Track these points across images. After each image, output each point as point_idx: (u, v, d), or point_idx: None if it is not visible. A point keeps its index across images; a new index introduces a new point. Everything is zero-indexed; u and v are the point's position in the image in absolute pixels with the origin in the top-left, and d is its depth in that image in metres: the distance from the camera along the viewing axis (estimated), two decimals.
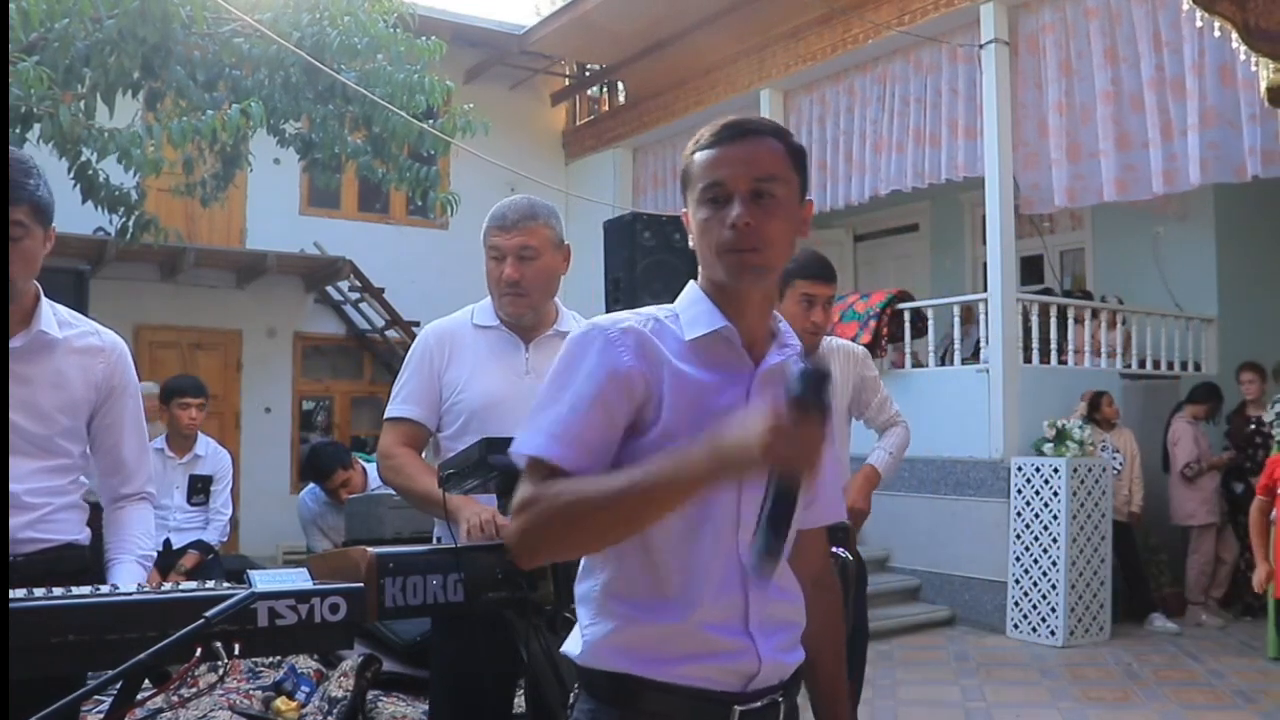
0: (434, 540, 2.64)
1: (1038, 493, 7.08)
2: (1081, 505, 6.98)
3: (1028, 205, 7.81)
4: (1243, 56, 3.48)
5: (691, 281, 1.60)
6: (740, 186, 1.48)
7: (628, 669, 1.43)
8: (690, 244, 1.57)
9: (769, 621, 1.49)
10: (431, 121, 7.19)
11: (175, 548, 5.26)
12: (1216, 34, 3.83)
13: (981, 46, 7.78)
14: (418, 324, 9.83)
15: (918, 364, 8.53)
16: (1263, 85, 3.55)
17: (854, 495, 3.73)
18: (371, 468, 5.37)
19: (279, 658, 4.15)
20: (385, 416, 2.72)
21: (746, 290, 1.51)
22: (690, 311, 1.53)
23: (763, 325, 1.55)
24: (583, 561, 1.52)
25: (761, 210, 1.48)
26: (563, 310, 2.75)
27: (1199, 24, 3.74)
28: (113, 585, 2.20)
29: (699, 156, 1.53)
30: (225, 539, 5.55)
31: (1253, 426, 7.70)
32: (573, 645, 1.52)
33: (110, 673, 1.54)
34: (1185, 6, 3.77)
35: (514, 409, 2.50)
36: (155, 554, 2.47)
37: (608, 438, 1.43)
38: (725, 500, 1.44)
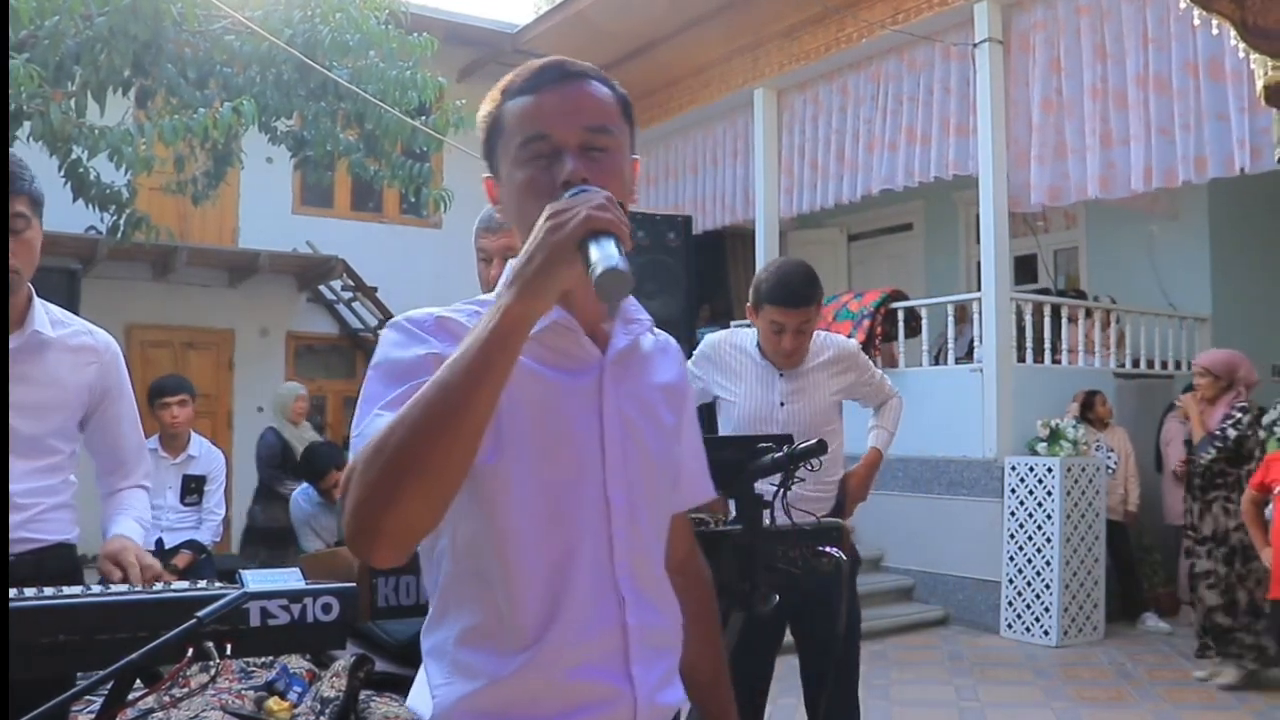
0: None
1: (1031, 492, 7.08)
2: (1075, 505, 6.98)
3: (1015, 204, 7.80)
4: (1241, 54, 3.48)
5: (510, 262, 1.30)
6: (570, 140, 1.25)
7: None
8: (497, 214, 1.36)
9: (649, 652, 1.29)
10: (424, 118, 7.17)
11: (168, 547, 5.24)
12: (1214, 32, 3.82)
13: (975, 45, 7.78)
14: None
15: (911, 363, 8.53)
16: (1259, 83, 3.55)
17: (855, 484, 3.67)
18: None
19: (271, 658, 4.13)
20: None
21: None
22: None
23: (595, 300, 1.26)
24: (431, 609, 1.30)
25: (596, 167, 1.25)
26: None
27: (1196, 22, 3.73)
28: (116, 534, 2.31)
29: (514, 105, 1.29)
30: (218, 539, 5.53)
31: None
32: (420, 705, 1.28)
33: (101, 673, 1.52)
34: (1182, 4, 3.76)
35: None
36: (150, 525, 2.51)
37: None
38: (591, 518, 1.26)
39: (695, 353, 3.46)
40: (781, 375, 3.30)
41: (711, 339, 3.52)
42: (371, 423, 1.15)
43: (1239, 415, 5.86)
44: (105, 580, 2.11)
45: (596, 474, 1.27)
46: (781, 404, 3.26)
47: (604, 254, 1.08)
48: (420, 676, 1.31)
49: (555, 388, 1.26)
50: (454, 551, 1.26)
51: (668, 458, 1.40)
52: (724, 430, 3.37)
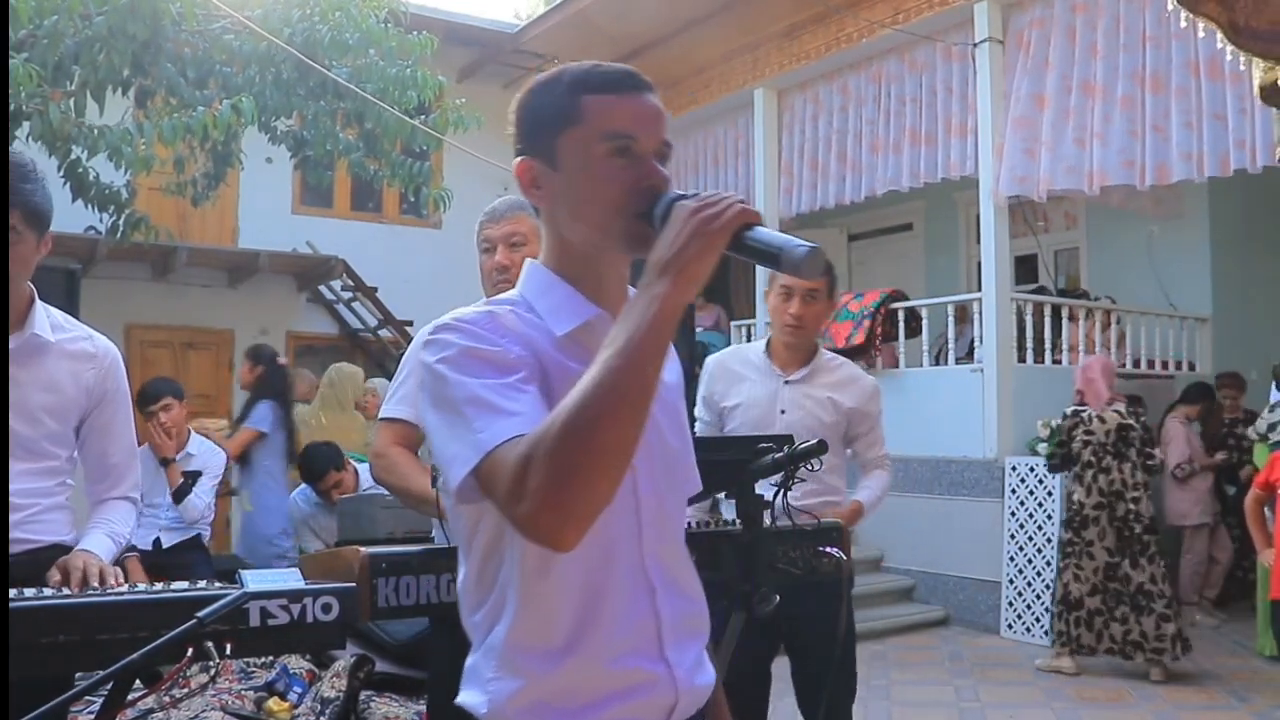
0: (434, 540, 2.62)
1: (1032, 493, 7.08)
2: None
3: (1001, 197, 7.76)
4: (1229, 56, 3.47)
5: (529, 261, 1.42)
6: (650, 146, 1.33)
7: None
8: (536, 201, 1.37)
9: (681, 636, 1.35)
10: (424, 118, 7.17)
11: (165, 546, 5.22)
12: (1201, 34, 3.81)
13: (975, 45, 7.78)
14: (410, 323, 9.81)
15: (912, 363, 8.53)
16: (1255, 84, 3.54)
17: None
18: (364, 468, 5.33)
19: (271, 658, 4.13)
20: (380, 416, 2.72)
21: (620, 259, 1.37)
22: (547, 300, 1.35)
23: (624, 296, 1.37)
24: (476, 605, 1.33)
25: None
26: None
27: (1183, 24, 3.72)
28: (82, 548, 2.24)
29: (597, 100, 1.32)
30: (196, 519, 5.36)
31: (1225, 429, 7.79)
32: (475, 700, 1.31)
33: (101, 673, 1.52)
34: (1170, 5, 3.75)
35: None
36: (128, 540, 2.47)
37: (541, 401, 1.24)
38: (623, 512, 1.30)
39: (702, 376, 3.47)
40: (786, 383, 3.29)
41: (714, 357, 3.53)
42: (511, 406, 1.19)
43: (1055, 425, 6.40)
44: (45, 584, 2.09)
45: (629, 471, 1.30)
46: (782, 411, 3.25)
47: (786, 238, 1.20)
48: (469, 669, 1.34)
49: None
50: (500, 554, 1.30)
51: (686, 446, 1.47)
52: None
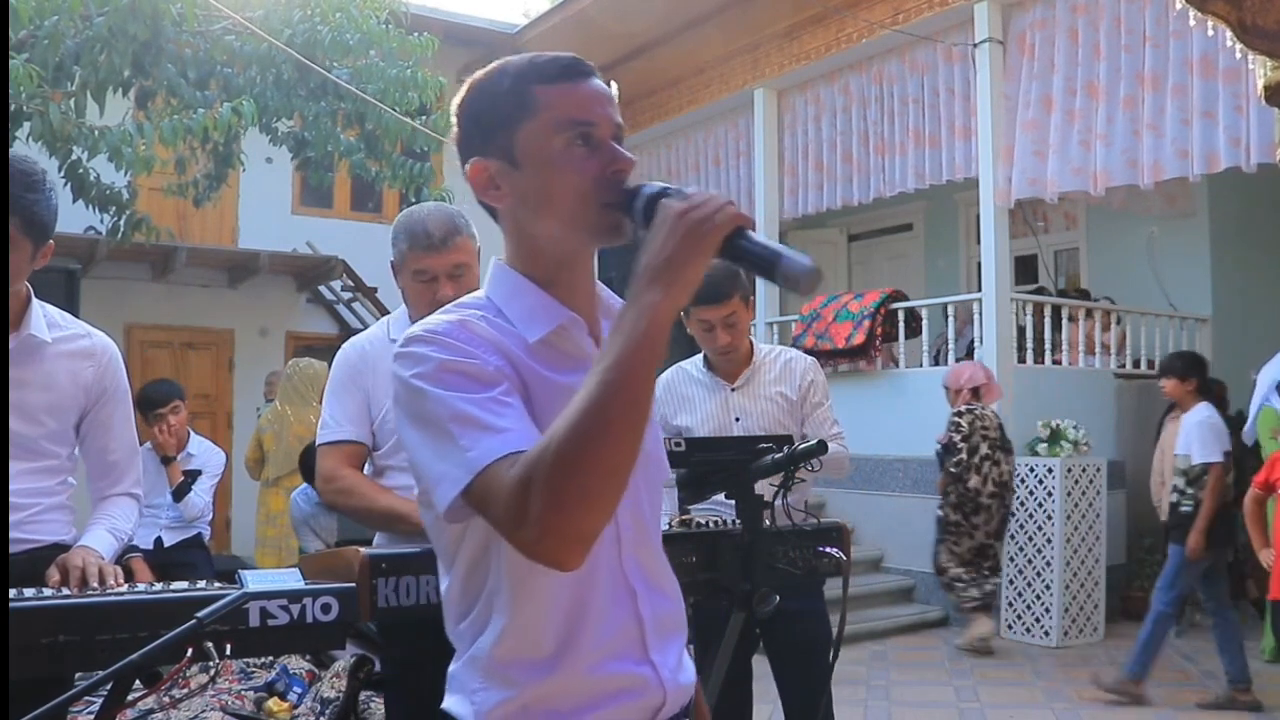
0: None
1: (1032, 493, 7.08)
2: (1075, 505, 6.97)
3: (1003, 196, 7.76)
4: (1238, 55, 3.47)
5: (495, 259, 1.37)
6: (608, 132, 1.29)
7: None
8: (496, 201, 1.32)
9: (664, 637, 1.35)
10: (424, 118, 7.16)
11: (167, 545, 5.23)
12: (1210, 33, 3.81)
13: (975, 45, 7.78)
14: None
15: (911, 363, 8.53)
16: (1260, 83, 3.54)
17: None
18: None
19: (271, 658, 4.14)
20: (319, 442, 2.56)
21: (588, 256, 1.35)
22: (517, 305, 1.31)
23: (593, 295, 1.37)
24: (460, 615, 1.31)
25: None
26: None
27: (1192, 22, 3.72)
28: (82, 544, 2.24)
29: (550, 90, 1.28)
30: (197, 515, 5.38)
31: None
32: (462, 709, 1.30)
33: (101, 674, 1.52)
34: (1178, 4, 3.75)
35: None
36: (130, 536, 2.45)
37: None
38: None
39: None
40: (734, 390, 3.28)
41: (660, 379, 3.43)
42: (497, 422, 1.17)
43: (959, 421, 6.68)
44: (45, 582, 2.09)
45: None
46: (737, 419, 3.23)
47: (781, 247, 1.16)
48: (453, 676, 1.33)
49: (570, 395, 1.21)
50: (485, 566, 1.28)
51: (656, 442, 1.45)
52: None
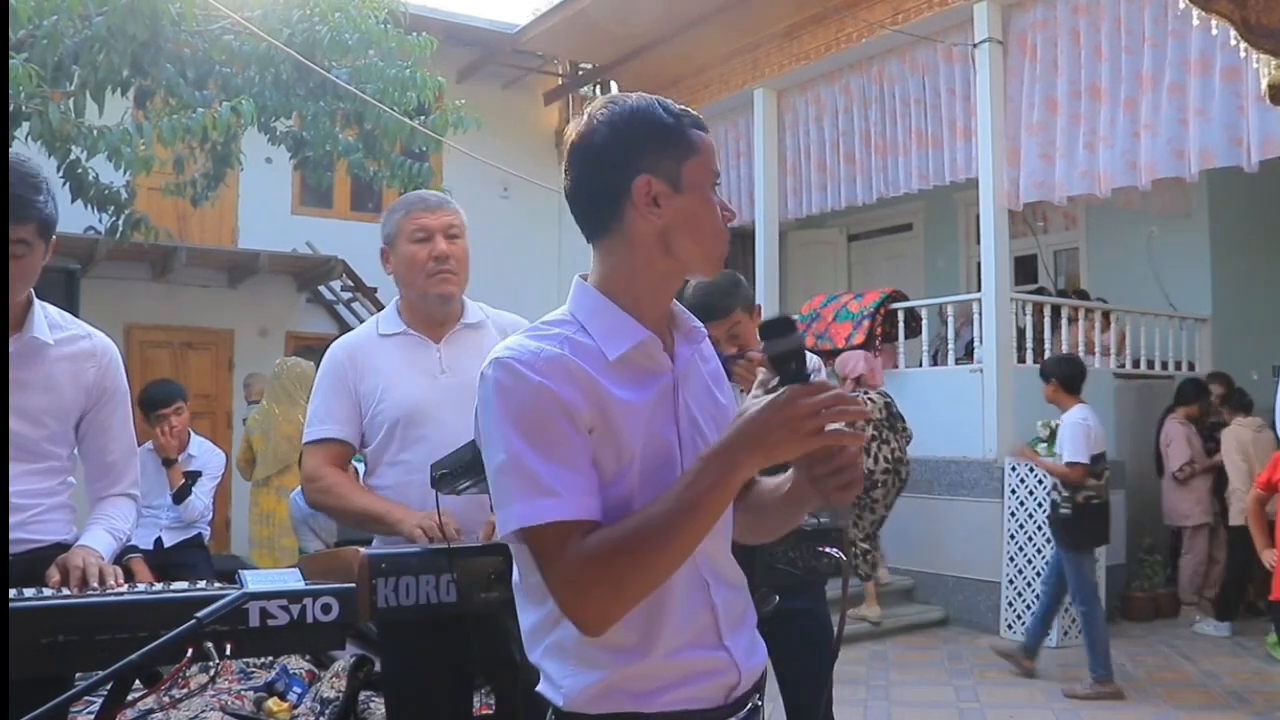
0: None
1: (1031, 493, 7.07)
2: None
3: (1011, 200, 7.77)
4: (1242, 54, 3.47)
5: (578, 279, 1.49)
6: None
7: (617, 708, 1.38)
8: (652, 217, 1.42)
9: (735, 623, 1.48)
10: (423, 118, 7.16)
11: (167, 546, 5.23)
12: (1214, 32, 3.81)
13: (975, 45, 7.78)
14: None
15: (911, 364, 8.53)
16: (1263, 82, 3.53)
17: None
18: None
19: (271, 658, 4.13)
20: (305, 441, 2.61)
21: (680, 282, 1.52)
22: (600, 323, 1.43)
23: (667, 313, 1.51)
24: (536, 609, 1.44)
25: None
26: (468, 303, 2.69)
27: (1195, 21, 3.72)
28: (81, 544, 2.24)
29: (702, 138, 1.48)
30: (196, 518, 5.39)
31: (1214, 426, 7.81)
32: (552, 693, 1.42)
33: (101, 673, 1.52)
34: (1181, 4, 3.75)
35: (437, 410, 2.48)
36: (129, 536, 2.45)
37: (596, 479, 1.36)
38: None
39: None
40: (742, 391, 3.29)
41: None
42: (552, 483, 1.31)
43: None
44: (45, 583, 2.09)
45: (678, 474, 1.40)
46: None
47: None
48: (540, 664, 1.44)
49: (650, 412, 1.41)
50: None
51: None
52: None
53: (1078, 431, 5.76)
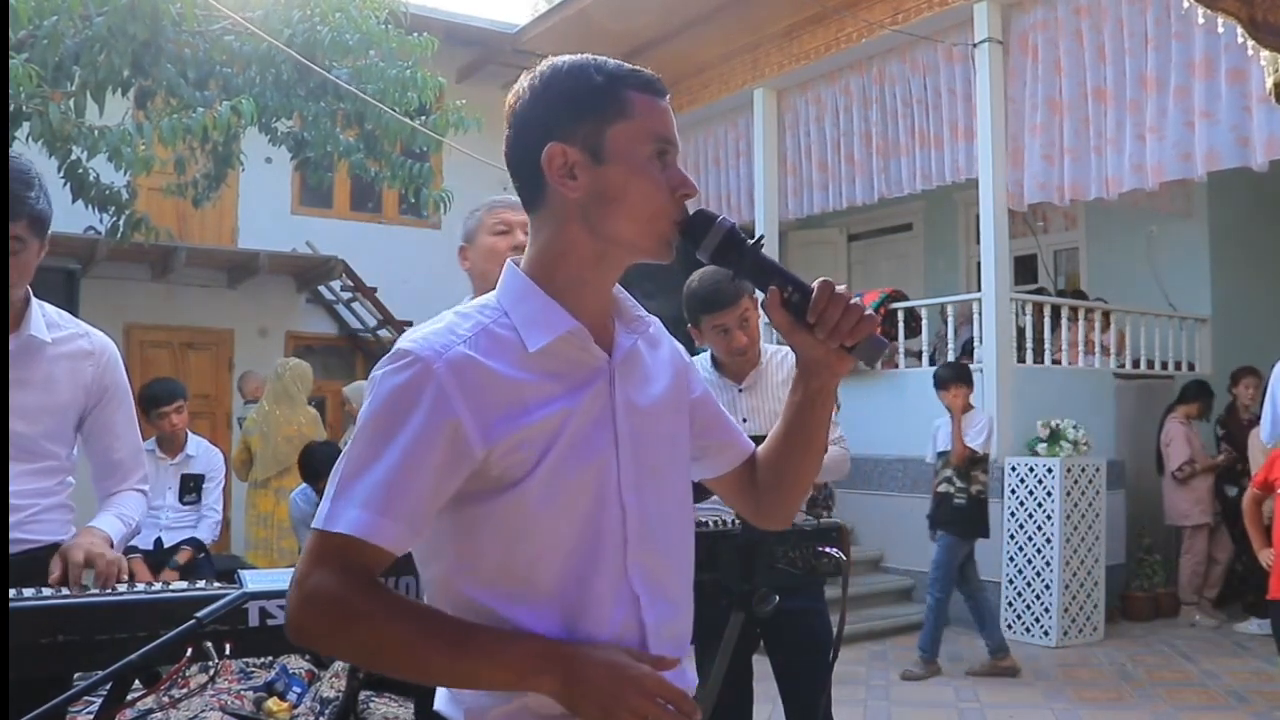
0: None
1: (1031, 493, 7.07)
2: (1075, 505, 6.97)
3: (1014, 201, 7.77)
4: (1250, 52, 3.46)
5: (509, 264, 1.33)
6: (675, 155, 1.32)
7: None
8: (566, 190, 1.26)
9: (664, 644, 1.31)
10: (424, 119, 7.16)
11: (167, 546, 5.23)
12: (1220, 30, 3.79)
13: (975, 45, 7.77)
14: (410, 324, 9.80)
15: (911, 363, 8.53)
16: (1269, 81, 3.52)
17: None
18: None
19: (271, 658, 4.13)
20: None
21: (620, 267, 1.34)
22: (523, 310, 1.27)
23: (609, 302, 1.35)
24: (438, 603, 1.32)
25: None
26: None
27: (1201, 20, 3.72)
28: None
29: (644, 99, 1.30)
30: (216, 537, 5.52)
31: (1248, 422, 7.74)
32: (452, 711, 1.30)
33: (100, 673, 1.52)
34: (1185, 3, 3.74)
35: None
36: (138, 524, 2.44)
37: (434, 508, 1.22)
38: (612, 525, 1.28)
39: None
40: (741, 391, 3.29)
41: None
42: (365, 498, 1.19)
43: None
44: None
45: (612, 479, 1.28)
46: (744, 420, 3.24)
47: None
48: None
49: (569, 412, 1.25)
50: (467, 577, 1.28)
51: (680, 443, 1.43)
52: None
53: (988, 427, 6.32)
